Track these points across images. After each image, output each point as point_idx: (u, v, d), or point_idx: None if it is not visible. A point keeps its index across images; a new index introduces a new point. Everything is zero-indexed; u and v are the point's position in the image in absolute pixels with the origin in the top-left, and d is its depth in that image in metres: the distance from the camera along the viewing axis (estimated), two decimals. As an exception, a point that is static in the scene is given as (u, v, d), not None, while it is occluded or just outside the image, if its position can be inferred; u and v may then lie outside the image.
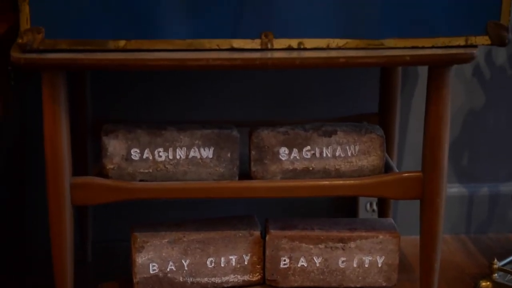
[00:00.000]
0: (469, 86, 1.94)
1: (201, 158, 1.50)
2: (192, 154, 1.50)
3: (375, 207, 1.95)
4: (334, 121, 1.71)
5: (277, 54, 1.40)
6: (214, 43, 1.40)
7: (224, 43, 1.40)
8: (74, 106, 1.70)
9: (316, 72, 1.89)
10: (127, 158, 1.49)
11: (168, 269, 1.53)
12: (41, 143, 1.44)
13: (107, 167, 1.49)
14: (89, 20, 1.36)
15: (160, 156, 1.49)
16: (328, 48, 1.42)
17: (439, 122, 1.47)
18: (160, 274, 1.53)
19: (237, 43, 1.41)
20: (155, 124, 1.52)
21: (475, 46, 1.43)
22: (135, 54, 1.38)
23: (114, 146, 1.48)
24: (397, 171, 1.57)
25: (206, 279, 1.54)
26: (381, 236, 1.55)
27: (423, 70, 1.84)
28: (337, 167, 1.52)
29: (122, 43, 1.38)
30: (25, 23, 1.35)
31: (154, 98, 1.89)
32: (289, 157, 1.52)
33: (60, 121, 1.41)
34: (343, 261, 1.55)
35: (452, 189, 1.98)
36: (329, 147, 1.52)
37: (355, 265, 1.56)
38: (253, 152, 1.51)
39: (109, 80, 1.86)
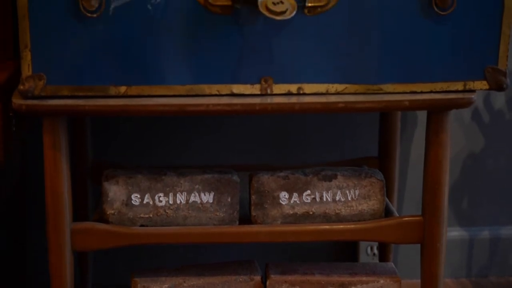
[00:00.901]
0: (468, 129, 1.95)
1: (202, 203, 1.50)
2: (192, 199, 1.50)
3: (375, 251, 1.95)
4: (334, 165, 1.71)
5: (277, 99, 1.41)
6: (214, 88, 1.41)
7: (224, 88, 1.41)
8: (74, 150, 1.71)
9: (316, 116, 1.90)
10: (128, 203, 1.49)
11: (168, 315, 1.53)
12: (42, 188, 1.44)
13: (108, 213, 1.49)
14: (90, 66, 1.37)
15: (161, 201, 1.50)
16: (327, 93, 1.43)
17: (439, 166, 1.48)
18: (160, 320, 1.53)
19: (237, 88, 1.42)
20: (156, 169, 1.52)
21: (473, 91, 1.44)
22: (136, 100, 1.39)
23: (115, 191, 1.49)
24: (397, 215, 1.57)
25: (206, 325, 1.54)
26: (381, 281, 1.55)
27: (422, 114, 1.85)
28: (337, 211, 1.52)
29: (123, 89, 1.39)
30: (26, 70, 1.36)
31: (154, 142, 1.90)
32: (289, 201, 1.52)
33: (60, 167, 1.42)
34: (344, 306, 1.55)
35: (452, 233, 1.98)
36: (329, 192, 1.52)
37: (356, 310, 1.55)
38: (253, 197, 1.52)
39: (109, 124, 1.87)
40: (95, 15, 1.35)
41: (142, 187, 1.49)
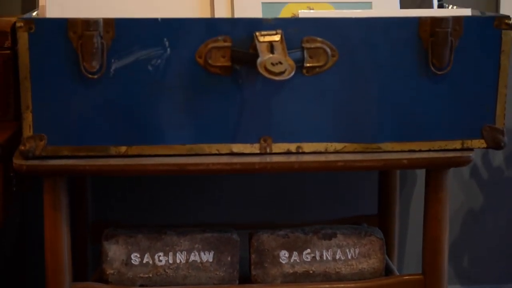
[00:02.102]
0: (467, 186, 1.95)
1: (201, 262, 1.50)
2: (192, 258, 1.50)
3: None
4: (334, 223, 1.71)
5: (276, 158, 1.42)
6: (214, 148, 1.42)
7: (224, 147, 1.42)
8: (74, 209, 1.71)
9: (315, 174, 1.90)
10: (127, 262, 1.49)
11: None
12: (42, 248, 1.44)
13: (107, 272, 1.49)
14: (90, 126, 1.38)
15: (160, 261, 1.49)
16: (326, 152, 1.44)
17: (438, 224, 1.48)
18: None
19: (237, 147, 1.43)
20: (155, 228, 1.52)
21: (471, 150, 1.44)
22: (136, 159, 1.40)
23: (114, 251, 1.49)
24: (397, 273, 1.56)
25: None
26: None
27: (421, 171, 1.86)
28: (337, 270, 1.52)
29: (123, 149, 1.40)
30: (28, 131, 1.37)
31: (155, 200, 1.90)
32: (289, 260, 1.52)
33: (60, 227, 1.42)
34: None
35: (453, 291, 1.98)
36: (329, 250, 1.52)
37: None
38: (253, 256, 1.51)
39: (109, 182, 1.88)
40: (96, 77, 1.36)
41: (142, 246, 1.49)
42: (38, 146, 1.38)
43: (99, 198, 1.85)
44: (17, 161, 1.38)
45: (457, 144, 1.44)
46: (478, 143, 1.45)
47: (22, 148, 1.37)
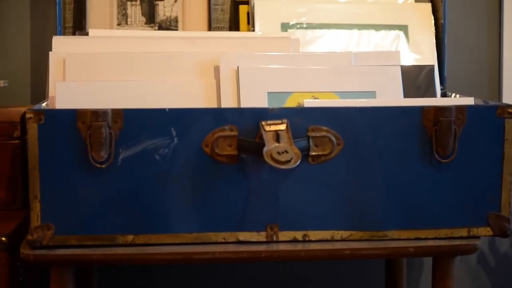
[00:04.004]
0: (474, 273, 1.94)
1: None
2: None
3: None
4: (341, 311, 1.70)
5: (283, 247, 1.42)
6: (220, 236, 1.42)
7: (230, 236, 1.43)
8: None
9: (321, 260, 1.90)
10: None
11: None
12: (47, 338, 1.43)
13: None
14: (98, 216, 1.39)
15: None
16: (332, 240, 1.44)
17: (446, 312, 1.47)
18: None
19: (243, 236, 1.43)
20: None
21: (477, 237, 1.44)
22: (143, 248, 1.40)
23: None
24: None
25: None
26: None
27: (428, 258, 1.85)
28: None
29: (130, 238, 1.40)
30: (35, 220, 1.38)
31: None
32: None
33: (67, 317, 1.41)
34: None
35: None
36: None
37: None
38: None
39: (116, 272, 1.87)
40: (104, 166, 1.38)
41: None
42: (46, 236, 1.38)
43: (104, 285, 1.85)
44: (25, 251, 1.38)
45: (463, 232, 1.45)
46: (484, 231, 1.45)
47: (30, 238, 1.38)
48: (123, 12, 1.87)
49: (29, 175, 1.38)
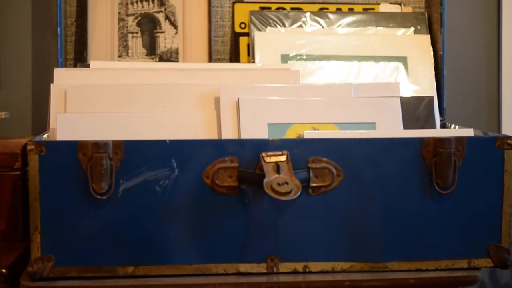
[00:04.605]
0: (475, 304, 1.94)
1: None
2: None
3: None
4: None
5: (283, 278, 1.42)
6: (220, 267, 1.42)
7: (231, 267, 1.42)
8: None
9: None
10: None
11: None
12: None
13: None
14: (98, 247, 1.39)
15: None
16: (333, 271, 1.44)
17: None
18: None
19: (244, 267, 1.43)
20: None
21: (478, 269, 1.44)
22: (143, 280, 1.40)
23: None
24: None
25: None
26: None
27: (428, 289, 1.85)
28: None
29: (130, 269, 1.40)
30: (36, 252, 1.38)
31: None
32: None
33: None
34: None
35: None
36: None
37: None
38: None
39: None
40: (104, 197, 1.38)
41: None
42: (46, 268, 1.38)
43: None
44: (25, 283, 1.38)
45: (463, 263, 1.44)
46: (485, 262, 1.45)
47: (30, 269, 1.38)
48: (124, 43, 1.89)
49: (30, 207, 1.38)
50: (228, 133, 1.51)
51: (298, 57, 1.82)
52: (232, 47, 1.90)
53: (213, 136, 1.51)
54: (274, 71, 1.63)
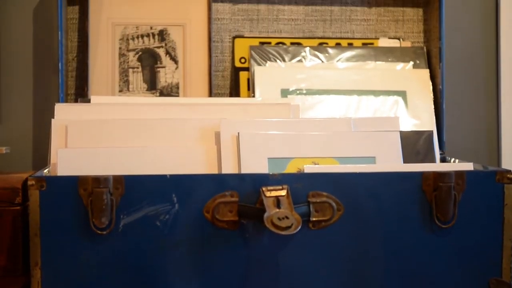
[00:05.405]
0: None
1: None
2: None
3: None
4: None
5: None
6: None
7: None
8: None
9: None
10: None
11: None
12: None
13: None
14: (98, 282, 1.39)
15: None
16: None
17: None
18: None
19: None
20: None
21: (479, 303, 1.45)
22: (143, 315, 1.40)
23: None
24: None
25: None
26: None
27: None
28: None
29: (130, 304, 1.40)
30: (36, 287, 1.37)
31: None
32: None
33: None
34: None
35: None
36: None
37: None
38: None
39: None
40: (105, 232, 1.38)
41: None
42: (46, 303, 1.38)
43: None
44: (25, 317, 1.38)
45: (465, 298, 1.45)
46: (486, 297, 1.45)
47: (30, 304, 1.38)
48: (125, 78, 1.90)
49: (30, 242, 1.38)
50: (229, 168, 1.51)
51: (298, 92, 1.83)
52: (232, 81, 1.91)
53: (214, 170, 1.52)
54: (274, 106, 1.64)
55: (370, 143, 1.55)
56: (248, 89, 1.88)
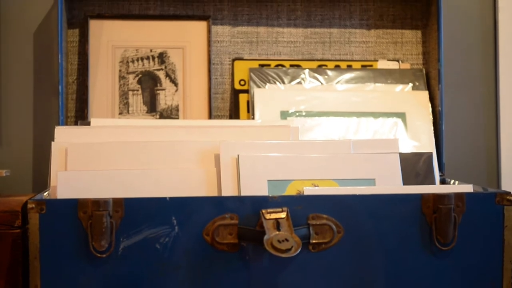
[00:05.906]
0: None
1: None
2: None
3: None
4: None
5: None
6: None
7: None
8: None
9: None
10: None
11: None
12: None
13: None
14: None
15: None
16: None
17: None
18: None
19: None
20: None
21: (481, 326, 1.44)
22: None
23: None
24: None
25: None
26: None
27: None
28: None
29: (130, 328, 1.40)
30: (35, 312, 1.38)
31: None
32: None
33: None
34: None
35: None
36: None
37: None
38: None
39: None
40: (104, 255, 1.38)
41: None
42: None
43: None
44: None
45: (465, 320, 1.44)
46: (488, 320, 1.44)
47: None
48: (125, 101, 1.90)
49: (30, 265, 1.38)
50: (228, 190, 1.51)
51: (297, 114, 1.83)
52: (232, 104, 1.92)
53: (213, 193, 1.52)
54: (273, 128, 1.65)
55: (370, 165, 1.55)
56: (248, 111, 1.89)
